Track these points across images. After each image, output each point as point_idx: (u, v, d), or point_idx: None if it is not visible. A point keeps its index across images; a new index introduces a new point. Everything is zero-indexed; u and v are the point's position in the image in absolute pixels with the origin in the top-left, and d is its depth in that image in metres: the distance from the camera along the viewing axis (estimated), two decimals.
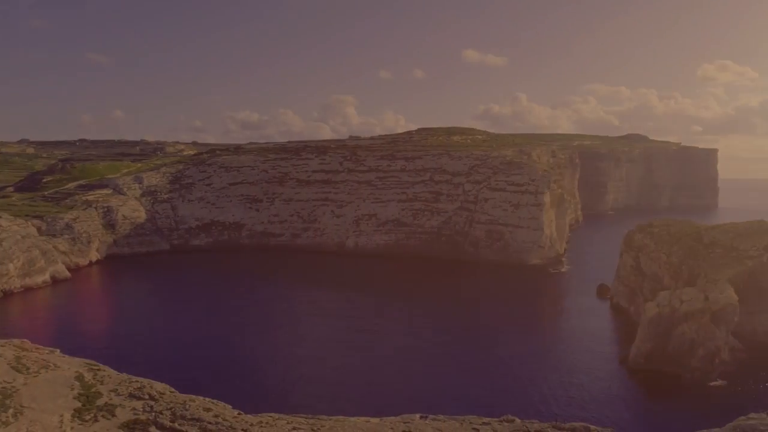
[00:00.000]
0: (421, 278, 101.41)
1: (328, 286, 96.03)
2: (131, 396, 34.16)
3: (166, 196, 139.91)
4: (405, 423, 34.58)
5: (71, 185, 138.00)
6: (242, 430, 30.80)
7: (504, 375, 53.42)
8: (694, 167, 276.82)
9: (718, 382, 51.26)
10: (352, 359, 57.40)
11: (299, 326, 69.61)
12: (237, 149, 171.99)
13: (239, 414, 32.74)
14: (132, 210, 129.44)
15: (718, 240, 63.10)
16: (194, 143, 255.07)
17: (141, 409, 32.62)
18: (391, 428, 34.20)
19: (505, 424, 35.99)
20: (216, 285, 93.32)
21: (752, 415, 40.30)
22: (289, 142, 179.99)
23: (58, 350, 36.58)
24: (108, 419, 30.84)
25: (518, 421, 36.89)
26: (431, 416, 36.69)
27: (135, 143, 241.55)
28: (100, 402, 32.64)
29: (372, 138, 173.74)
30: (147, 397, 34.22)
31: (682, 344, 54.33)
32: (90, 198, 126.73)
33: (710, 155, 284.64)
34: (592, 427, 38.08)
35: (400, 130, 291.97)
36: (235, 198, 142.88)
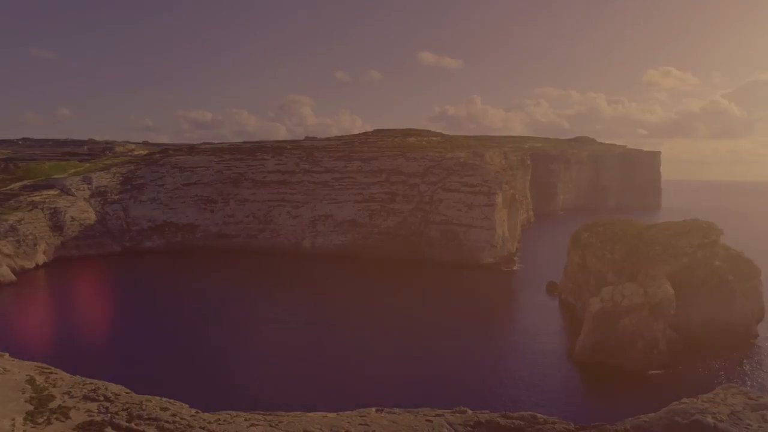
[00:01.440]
0: (376, 277, 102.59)
1: (283, 286, 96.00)
2: (86, 398, 34.01)
3: (117, 197, 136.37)
4: (361, 417, 35.62)
5: (15, 186, 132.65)
6: (200, 428, 31.17)
7: (457, 369, 55.08)
8: (639, 169, 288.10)
9: (656, 371, 54.46)
10: (308, 357, 57.99)
11: (255, 326, 69.58)
12: (190, 149, 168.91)
13: (197, 412, 33.07)
14: (81, 211, 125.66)
15: (656, 238, 66.70)
16: (145, 143, 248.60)
17: (96, 411, 32.56)
18: (348, 422, 35.15)
19: (458, 415, 37.55)
20: (169, 287, 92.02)
21: (684, 400, 43.35)
22: (244, 142, 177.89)
23: (7, 354, 35.91)
24: (62, 421, 30.66)
25: (470, 412, 38.56)
26: (386, 409, 37.88)
27: (82, 142, 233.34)
28: (53, 405, 32.36)
29: (328, 139, 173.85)
30: (102, 398, 34.13)
31: (623, 337, 57.38)
32: (36, 199, 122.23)
33: (654, 158, 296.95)
34: (539, 415, 40.13)
35: (356, 131, 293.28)
36: (189, 199, 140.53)
